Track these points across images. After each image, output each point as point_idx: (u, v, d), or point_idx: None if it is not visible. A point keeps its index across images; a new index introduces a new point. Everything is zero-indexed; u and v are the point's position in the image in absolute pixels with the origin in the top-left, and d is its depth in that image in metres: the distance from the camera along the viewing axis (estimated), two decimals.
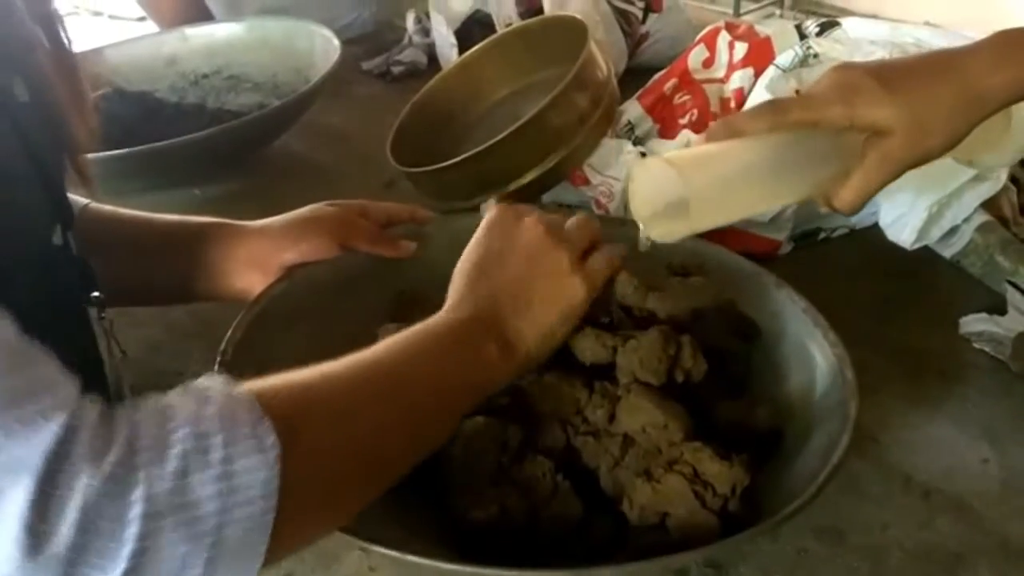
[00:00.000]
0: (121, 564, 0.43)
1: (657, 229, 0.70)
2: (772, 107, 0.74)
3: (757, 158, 0.72)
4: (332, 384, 0.57)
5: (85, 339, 0.72)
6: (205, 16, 1.64)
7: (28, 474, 0.42)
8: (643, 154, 1.08)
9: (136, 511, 0.44)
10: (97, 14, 1.76)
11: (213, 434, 0.47)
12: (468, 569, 0.59)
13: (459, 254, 0.72)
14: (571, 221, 0.73)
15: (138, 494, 0.44)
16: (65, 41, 0.67)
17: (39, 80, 0.65)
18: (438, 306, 0.68)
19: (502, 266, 0.69)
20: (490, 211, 0.74)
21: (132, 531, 0.44)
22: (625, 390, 0.70)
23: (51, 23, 0.66)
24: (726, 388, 0.77)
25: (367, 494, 0.58)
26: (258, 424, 0.49)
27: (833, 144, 0.73)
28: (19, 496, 0.42)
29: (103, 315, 0.75)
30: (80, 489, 0.43)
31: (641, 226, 0.71)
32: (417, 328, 0.65)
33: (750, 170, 0.72)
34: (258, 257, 0.85)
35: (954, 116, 0.69)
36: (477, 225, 0.85)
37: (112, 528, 0.43)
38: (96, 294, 0.74)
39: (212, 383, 0.52)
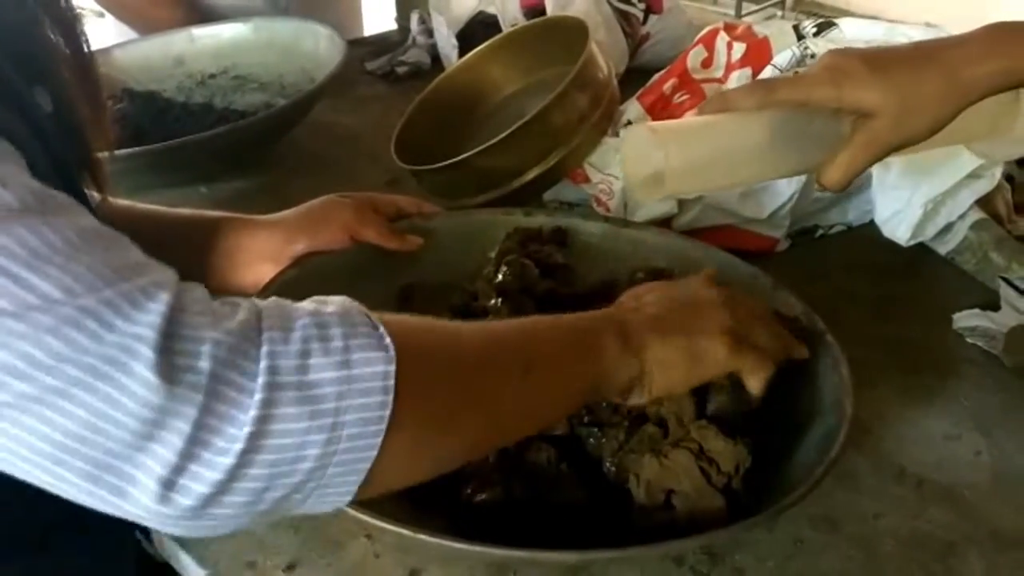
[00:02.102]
0: (246, 428, 0.45)
1: (641, 190, 0.73)
2: (762, 85, 0.76)
3: (741, 133, 0.74)
4: (449, 327, 0.59)
5: None
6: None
7: (146, 346, 0.44)
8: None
9: (262, 378, 0.46)
10: (101, 15, 1.76)
11: (333, 325, 0.49)
12: (475, 548, 0.60)
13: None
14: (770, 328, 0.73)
15: (263, 365, 0.46)
16: (85, 49, 0.68)
17: (61, 90, 0.66)
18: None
19: (671, 309, 0.69)
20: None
21: (257, 398, 0.45)
22: None
23: (72, 29, 0.67)
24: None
25: (473, 441, 0.58)
26: (376, 327, 0.51)
27: (822, 125, 0.75)
28: (142, 369, 0.44)
29: None
30: (209, 340, 0.45)
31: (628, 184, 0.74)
32: (565, 317, 0.65)
33: (733, 144, 0.74)
34: (271, 249, 0.87)
35: (939, 102, 0.71)
36: (481, 222, 0.87)
37: (242, 379, 0.45)
38: None
39: (333, 298, 0.53)
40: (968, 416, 0.85)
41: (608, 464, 0.71)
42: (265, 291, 0.82)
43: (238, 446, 0.45)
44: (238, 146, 1.27)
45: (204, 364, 0.45)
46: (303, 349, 0.48)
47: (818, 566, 0.71)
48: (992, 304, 0.96)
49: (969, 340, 0.94)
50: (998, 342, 0.91)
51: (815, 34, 1.15)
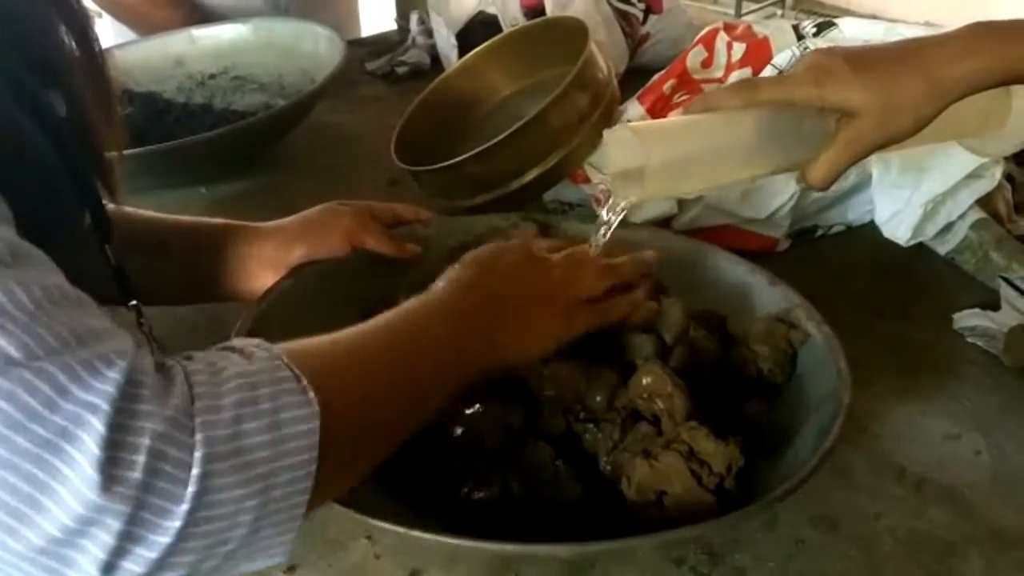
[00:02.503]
0: (184, 504, 0.45)
1: (621, 191, 0.73)
2: (746, 85, 0.76)
3: (725, 132, 0.75)
4: (354, 346, 0.60)
5: None
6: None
7: (98, 418, 0.44)
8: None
9: (198, 454, 0.46)
10: (98, 15, 1.76)
11: (262, 385, 0.49)
12: (471, 543, 0.60)
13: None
14: (596, 262, 0.78)
15: (199, 438, 0.46)
16: (97, 51, 0.69)
17: (74, 92, 0.66)
18: None
19: (500, 280, 0.73)
20: (517, 238, 0.78)
21: (195, 473, 0.45)
22: (643, 359, 0.75)
23: (84, 31, 0.67)
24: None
25: (386, 447, 0.61)
26: (300, 379, 0.51)
27: (807, 124, 0.75)
28: (91, 439, 0.43)
29: (142, 320, 0.77)
30: (148, 432, 0.45)
31: (608, 184, 0.75)
32: (423, 308, 0.68)
33: (716, 144, 0.75)
34: (270, 257, 0.87)
35: (921, 100, 0.71)
36: (479, 230, 0.88)
37: (176, 470, 0.45)
38: (134, 302, 0.76)
39: (249, 342, 0.54)
40: (968, 416, 0.85)
41: (604, 462, 0.71)
42: (264, 299, 0.83)
43: (176, 524, 0.45)
44: (238, 147, 1.27)
45: (141, 458, 0.44)
46: (235, 415, 0.48)
47: (818, 566, 0.71)
48: (992, 304, 0.96)
49: (969, 340, 0.94)
50: (998, 342, 0.91)
51: (815, 34, 1.15)
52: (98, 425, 0.43)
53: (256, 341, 0.54)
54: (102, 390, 0.44)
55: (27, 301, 0.45)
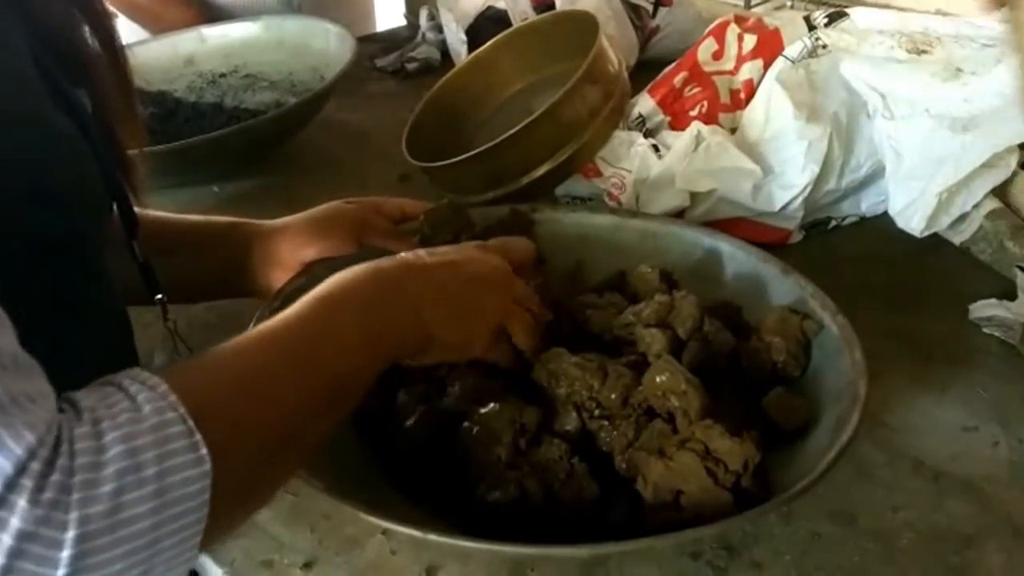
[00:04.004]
0: None
1: None
2: None
3: None
4: (250, 362, 0.57)
5: (123, 338, 0.74)
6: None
7: None
8: (655, 147, 1.09)
9: (71, 534, 0.43)
10: (113, 15, 1.77)
11: (146, 450, 0.46)
12: (486, 546, 0.60)
13: None
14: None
15: (73, 516, 0.44)
16: (120, 51, 0.69)
17: (100, 93, 0.67)
18: None
19: (444, 269, 0.70)
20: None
21: (66, 554, 0.43)
22: (655, 357, 0.74)
23: (108, 30, 0.67)
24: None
25: (297, 458, 0.59)
26: (191, 435, 0.48)
27: None
28: None
29: (168, 317, 0.78)
30: (21, 515, 0.43)
31: None
32: (338, 292, 0.64)
33: None
34: (279, 255, 0.87)
35: None
36: (490, 221, 0.88)
37: (45, 553, 0.43)
38: (159, 296, 0.76)
39: (139, 384, 0.50)
40: (985, 407, 0.85)
41: (619, 460, 0.71)
42: (275, 299, 0.83)
43: None
44: (249, 145, 1.27)
45: (6, 543, 0.42)
46: (116, 488, 0.45)
47: (835, 560, 0.71)
48: (1009, 294, 0.95)
49: (986, 330, 0.93)
50: (1015, 332, 0.91)
51: (826, 24, 1.14)
52: None
53: (145, 378, 0.50)
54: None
55: None
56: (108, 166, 0.67)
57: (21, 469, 0.43)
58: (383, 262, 0.68)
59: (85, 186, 0.64)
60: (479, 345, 0.72)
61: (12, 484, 0.43)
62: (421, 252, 0.71)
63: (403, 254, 0.70)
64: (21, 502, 0.43)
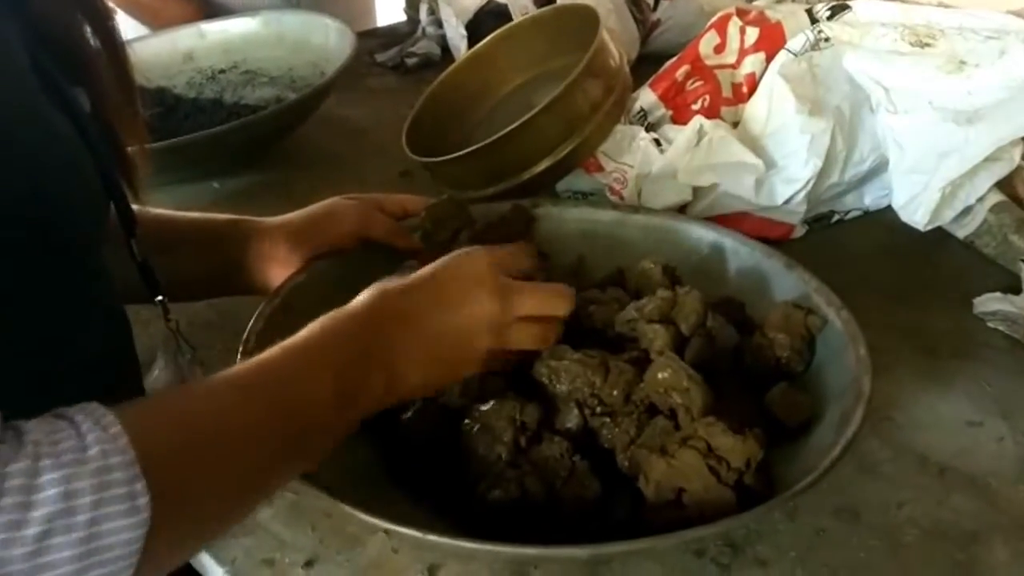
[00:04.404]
0: None
1: None
2: None
3: None
4: (205, 412, 0.55)
5: (122, 338, 0.74)
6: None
7: None
8: (657, 141, 1.09)
9: None
10: (113, 12, 1.76)
11: (83, 493, 0.45)
12: (486, 547, 0.60)
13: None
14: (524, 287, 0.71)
15: None
16: (120, 49, 0.68)
17: (99, 91, 0.66)
18: None
19: (431, 316, 0.67)
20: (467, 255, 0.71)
21: None
22: (657, 353, 0.73)
23: (108, 28, 0.67)
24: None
25: (235, 520, 0.58)
26: (133, 482, 0.46)
27: None
28: None
29: (169, 317, 0.77)
30: None
31: None
32: (316, 342, 0.62)
33: None
34: (279, 252, 0.86)
35: None
36: (491, 217, 0.87)
37: None
38: (160, 297, 0.76)
39: (92, 422, 0.48)
40: (990, 402, 0.84)
41: (621, 458, 0.70)
42: (276, 296, 0.82)
43: None
44: (249, 141, 1.27)
45: None
46: (41, 531, 0.43)
47: (840, 556, 0.71)
48: (1013, 287, 0.95)
49: (990, 325, 0.92)
50: (1020, 326, 0.90)
51: (829, 17, 1.13)
52: None
53: (100, 415, 0.48)
54: None
55: None
56: (106, 165, 0.67)
57: None
58: (361, 306, 0.65)
59: (82, 185, 0.63)
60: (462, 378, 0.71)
61: None
62: (410, 284, 0.68)
63: (386, 287, 0.67)
64: None
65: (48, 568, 0.44)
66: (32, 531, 0.43)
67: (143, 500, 0.46)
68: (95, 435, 0.47)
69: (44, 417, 0.48)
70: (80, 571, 0.45)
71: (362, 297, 0.66)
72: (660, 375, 0.70)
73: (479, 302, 0.68)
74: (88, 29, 0.66)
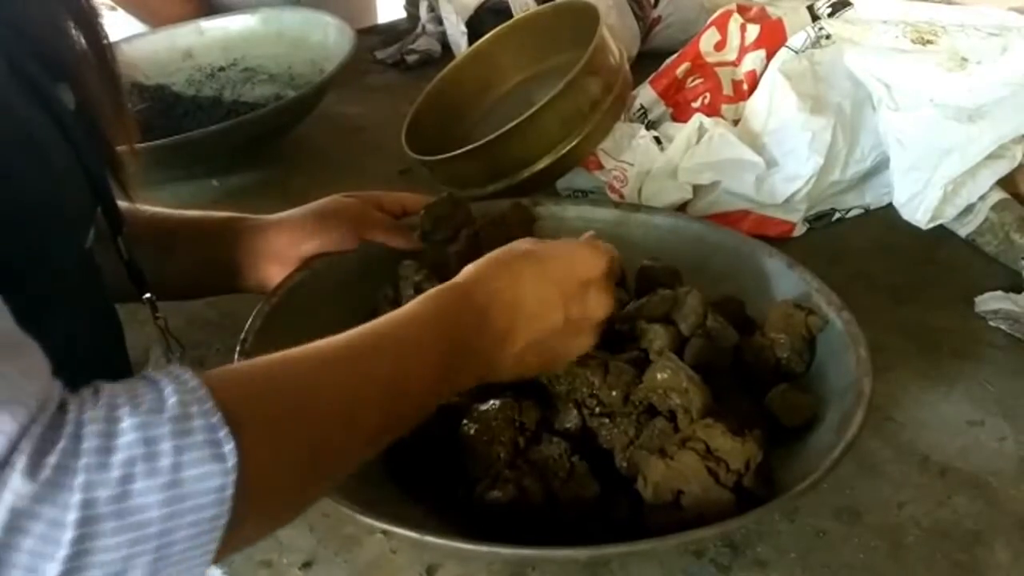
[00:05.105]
0: (55, 567, 0.42)
1: None
2: None
3: None
4: (297, 376, 0.55)
5: (112, 337, 0.74)
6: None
7: None
8: (657, 139, 1.08)
9: (72, 516, 0.42)
10: (113, 9, 1.76)
11: (164, 439, 0.45)
12: (484, 548, 0.60)
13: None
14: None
15: (76, 499, 0.43)
16: (106, 46, 0.68)
17: (83, 86, 0.66)
18: None
19: (535, 317, 0.66)
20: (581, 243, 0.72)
21: (68, 536, 0.42)
22: (657, 353, 0.73)
23: (92, 25, 0.66)
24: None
25: (321, 491, 0.58)
26: (215, 430, 0.46)
27: None
28: None
29: (157, 315, 0.77)
30: (13, 490, 0.42)
31: None
32: (412, 329, 0.62)
33: None
34: (277, 250, 0.86)
35: None
36: (491, 216, 0.86)
37: (44, 531, 0.42)
38: (148, 295, 0.75)
39: (171, 379, 0.48)
40: (992, 401, 0.84)
41: (620, 459, 0.70)
42: (274, 295, 0.82)
43: None
44: (248, 139, 1.27)
45: (3, 517, 0.41)
46: (124, 474, 0.44)
47: (841, 557, 0.70)
48: (1015, 286, 0.94)
49: (992, 323, 0.92)
50: (1022, 325, 0.90)
51: (830, 14, 1.13)
52: None
53: (179, 374, 0.48)
54: None
55: None
56: (91, 162, 0.66)
57: (12, 448, 0.42)
58: (472, 283, 0.66)
59: (60, 182, 0.63)
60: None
61: (3, 462, 0.42)
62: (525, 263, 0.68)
63: (483, 266, 0.68)
64: (15, 479, 0.42)
65: (136, 512, 0.44)
66: (115, 474, 0.44)
67: (228, 447, 0.46)
68: (172, 387, 0.47)
69: (127, 380, 0.48)
70: (169, 517, 0.44)
71: (474, 272, 0.67)
72: (659, 376, 0.70)
73: (591, 305, 0.69)
74: (71, 24, 0.66)
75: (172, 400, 0.46)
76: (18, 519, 0.42)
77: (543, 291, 0.67)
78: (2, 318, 0.47)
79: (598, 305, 0.69)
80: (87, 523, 0.43)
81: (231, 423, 0.47)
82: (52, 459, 0.43)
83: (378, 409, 0.57)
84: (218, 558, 0.48)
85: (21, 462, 0.42)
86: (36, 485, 0.42)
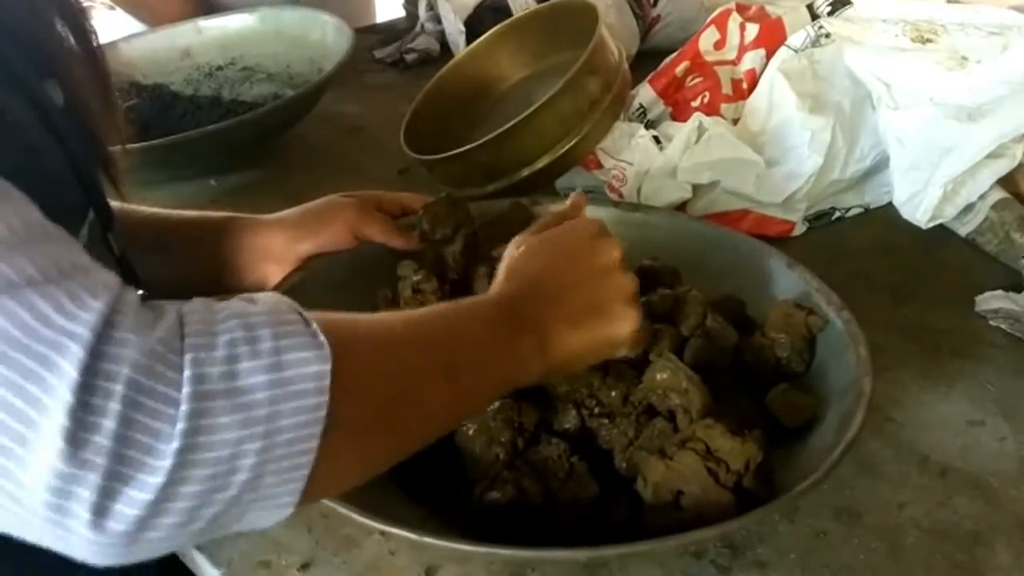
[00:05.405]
0: (173, 442, 0.43)
1: None
2: None
3: None
4: (380, 323, 0.57)
5: None
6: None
7: (78, 345, 0.42)
8: (656, 138, 1.08)
9: (186, 390, 0.43)
10: (112, 8, 1.76)
11: (262, 326, 0.47)
12: (483, 549, 0.59)
13: None
14: None
15: (187, 374, 0.44)
16: (94, 43, 0.68)
17: (72, 84, 0.65)
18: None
19: (565, 273, 0.66)
20: (571, 213, 0.72)
21: (183, 409, 0.43)
22: (656, 353, 0.73)
23: (80, 24, 0.66)
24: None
25: (405, 441, 0.57)
26: (307, 324, 0.48)
27: None
28: (69, 368, 0.41)
29: None
30: (128, 362, 0.42)
31: None
32: (463, 303, 0.63)
33: None
34: (274, 249, 0.86)
35: None
36: (490, 216, 0.86)
37: (162, 405, 0.43)
38: (140, 292, 0.75)
39: (260, 295, 0.51)
40: (992, 401, 0.83)
41: (619, 459, 0.70)
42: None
43: (167, 463, 0.43)
44: (247, 138, 1.26)
45: (118, 390, 0.42)
46: (230, 354, 0.45)
47: (841, 558, 0.70)
48: (1015, 285, 0.94)
49: (992, 323, 0.92)
50: (1022, 324, 0.89)
51: (830, 13, 1.13)
52: (79, 352, 0.42)
53: (267, 293, 0.51)
54: (85, 319, 0.43)
55: (6, 232, 0.44)
56: (81, 159, 0.66)
57: (109, 322, 0.43)
58: (507, 287, 0.65)
59: (51, 180, 0.62)
60: (619, 344, 0.67)
61: (105, 336, 0.43)
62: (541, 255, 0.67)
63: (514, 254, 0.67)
64: (128, 350, 0.43)
65: (245, 392, 0.45)
66: (221, 353, 0.45)
67: (321, 338, 0.47)
68: (263, 298, 0.50)
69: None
70: (274, 399, 0.45)
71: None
72: (659, 376, 0.70)
73: (616, 270, 0.67)
74: (59, 21, 0.65)
75: (264, 300, 0.49)
76: (135, 394, 0.42)
77: (566, 266, 0.67)
78: (38, 214, 0.48)
79: (624, 282, 0.67)
80: (200, 398, 0.44)
81: (320, 328, 0.48)
82: (160, 333, 0.44)
83: (447, 373, 0.57)
84: (306, 500, 0.48)
85: (129, 334, 0.43)
86: (147, 358, 0.43)
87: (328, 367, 0.47)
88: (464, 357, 0.59)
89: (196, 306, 0.47)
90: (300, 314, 0.49)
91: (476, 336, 0.61)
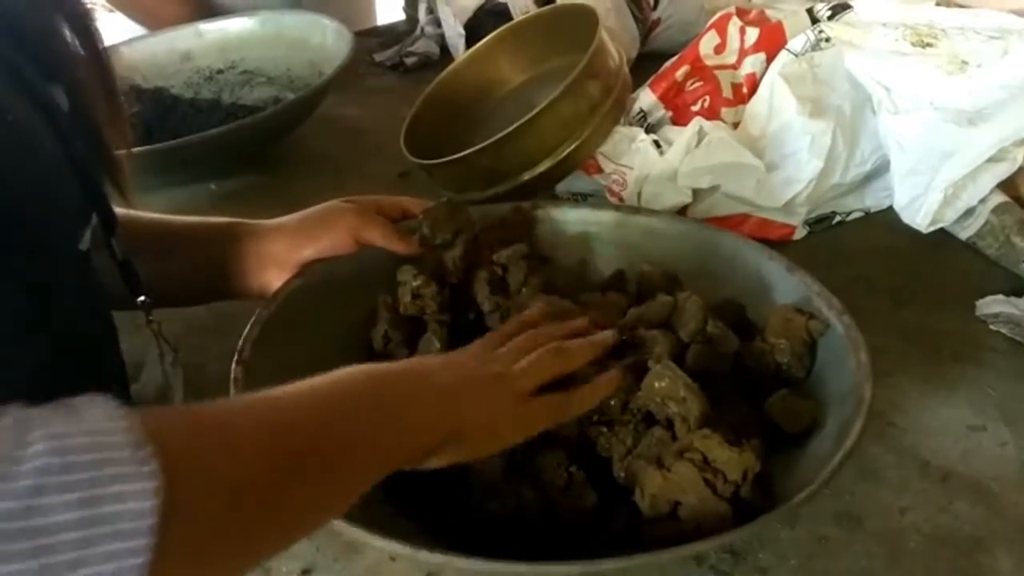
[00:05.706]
0: None
1: None
2: None
3: None
4: (227, 417, 0.50)
5: (109, 340, 0.73)
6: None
7: None
8: (656, 143, 1.08)
9: None
10: (111, 11, 1.76)
11: (80, 451, 0.40)
12: (481, 563, 0.59)
13: None
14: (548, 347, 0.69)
15: None
16: (100, 47, 0.68)
17: (78, 88, 0.65)
18: None
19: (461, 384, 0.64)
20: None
21: None
22: (655, 360, 0.72)
23: (86, 28, 0.66)
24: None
25: (267, 547, 0.51)
26: (138, 448, 0.41)
27: None
28: None
29: (151, 318, 0.76)
30: None
31: None
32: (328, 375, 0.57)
33: None
34: (275, 255, 0.86)
35: None
36: (491, 220, 0.86)
37: None
38: (142, 298, 0.75)
39: (92, 400, 0.43)
40: (993, 406, 0.83)
41: (618, 468, 0.70)
42: (272, 302, 0.82)
43: None
44: (247, 142, 1.26)
45: None
46: (34, 486, 0.38)
47: (842, 564, 0.70)
48: (1016, 290, 0.94)
49: (993, 327, 0.92)
50: (1023, 329, 0.89)
51: (830, 17, 1.13)
52: None
53: (100, 398, 0.43)
54: None
55: None
56: (85, 164, 0.66)
57: None
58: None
59: (55, 184, 0.62)
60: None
61: None
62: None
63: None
64: None
65: (47, 532, 0.38)
66: (24, 483, 0.38)
67: (150, 467, 0.41)
68: (90, 406, 0.43)
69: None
70: (84, 541, 0.39)
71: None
72: (657, 384, 0.69)
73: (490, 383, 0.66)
74: (65, 25, 0.65)
75: (87, 414, 0.42)
76: None
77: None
78: None
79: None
80: None
81: (151, 442, 0.42)
82: None
83: (316, 462, 0.52)
84: None
85: None
86: None
87: (153, 504, 0.40)
88: (336, 440, 0.54)
89: (7, 422, 0.40)
90: (129, 432, 0.41)
91: (349, 410, 0.56)
